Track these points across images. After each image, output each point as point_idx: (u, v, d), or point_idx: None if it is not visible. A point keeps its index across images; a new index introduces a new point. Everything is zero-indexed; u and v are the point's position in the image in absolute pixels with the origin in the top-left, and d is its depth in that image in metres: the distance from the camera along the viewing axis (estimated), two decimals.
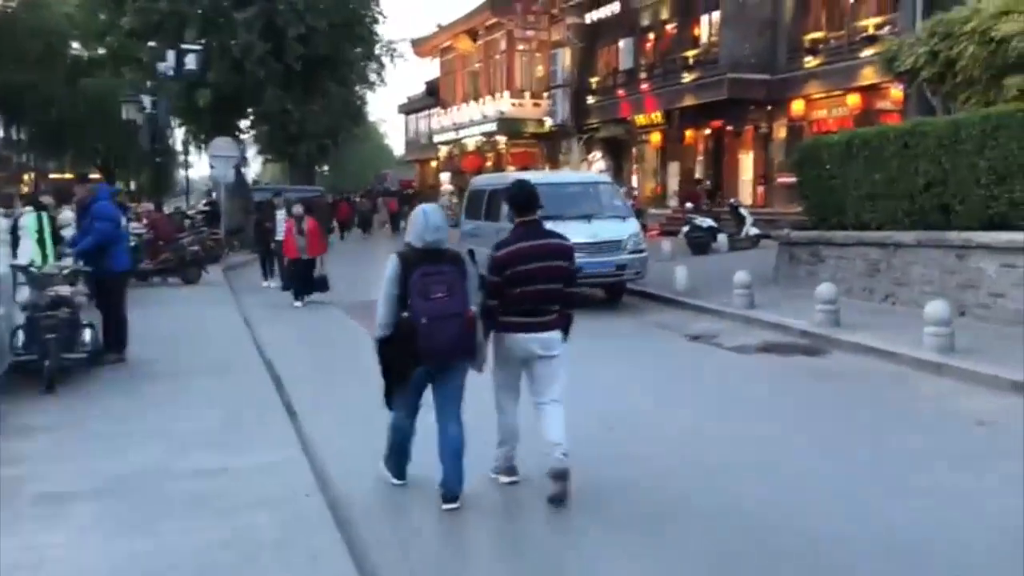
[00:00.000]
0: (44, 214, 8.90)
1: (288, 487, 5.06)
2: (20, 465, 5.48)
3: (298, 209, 14.51)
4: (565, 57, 34.94)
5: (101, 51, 35.76)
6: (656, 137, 31.22)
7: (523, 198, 5.27)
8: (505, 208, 5.49)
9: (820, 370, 8.91)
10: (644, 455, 6.05)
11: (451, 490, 5.02)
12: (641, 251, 13.29)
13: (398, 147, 70.99)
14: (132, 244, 15.95)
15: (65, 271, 8.11)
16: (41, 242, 8.61)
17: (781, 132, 25.32)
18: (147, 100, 21.88)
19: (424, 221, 4.91)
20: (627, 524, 4.83)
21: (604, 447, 6.23)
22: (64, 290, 7.87)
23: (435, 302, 4.75)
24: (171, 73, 21.78)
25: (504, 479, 5.42)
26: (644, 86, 29.79)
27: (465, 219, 15.96)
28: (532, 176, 14.97)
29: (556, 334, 5.18)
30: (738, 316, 11.70)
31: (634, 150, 33.47)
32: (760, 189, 26.19)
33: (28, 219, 8.81)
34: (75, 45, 45.93)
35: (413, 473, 5.39)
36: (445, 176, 48.58)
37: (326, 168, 58.98)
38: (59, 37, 44.65)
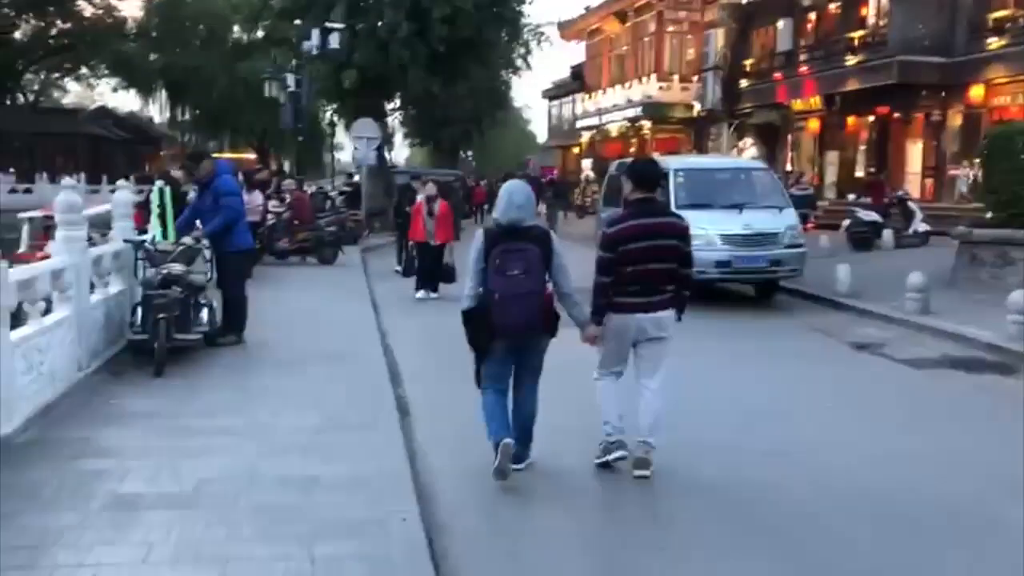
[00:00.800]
0: (167, 188, 8.57)
1: (383, 506, 4.39)
2: (107, 458, 5.04)
3: (430, 189, 13.16)
4: (718, 38, 33.37)
5: (260, 34, 36.75)
6: (814, 124, 29.29)
7: (643, 173, 5.23)
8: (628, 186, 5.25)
9: (1019, 395, 7.55)
10: (791, 491, 5.07)
11: (516, 454, 4.97)
12: (799, 245, 12.03)
13: (541, 133, 70.64)
14: (263, 221, 16.10)
15: (180, 248, 7.75)
16: (162, 217, 8.27)
17: (956, 120, 23.11)
18: (291, 79, 21.98)
19: (508, 199, 4.95)
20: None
21: (749, 470, 5.29)
22: (177, 268, 7.50)
23: (510, 279, 4.79)
24: (315, 52, 21.80)
25: (611, 457, 5.21)
26: (803, 69, 28.00)
27: (603, 206, 15.09)
28: (679, 161, 13.94)
29: (668, 314, 5.14)
30: (910, 323, 10.33)
31: (789, 137, 31.59)
32: (929, 182, 24.04)
33: (153, 193, 8.53)
34: (235, 29, 47.66)
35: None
36: (586, 163, 47.71)
37: (470, 153, 59.31)
38: (221, 21, 46.48)
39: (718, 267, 11.40)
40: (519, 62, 37.16)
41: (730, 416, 6.62)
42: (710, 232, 11.35)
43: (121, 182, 9.29)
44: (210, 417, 5.96)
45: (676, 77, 36.53)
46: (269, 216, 17.04)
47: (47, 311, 6.53)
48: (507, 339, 4.92)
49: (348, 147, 49.52)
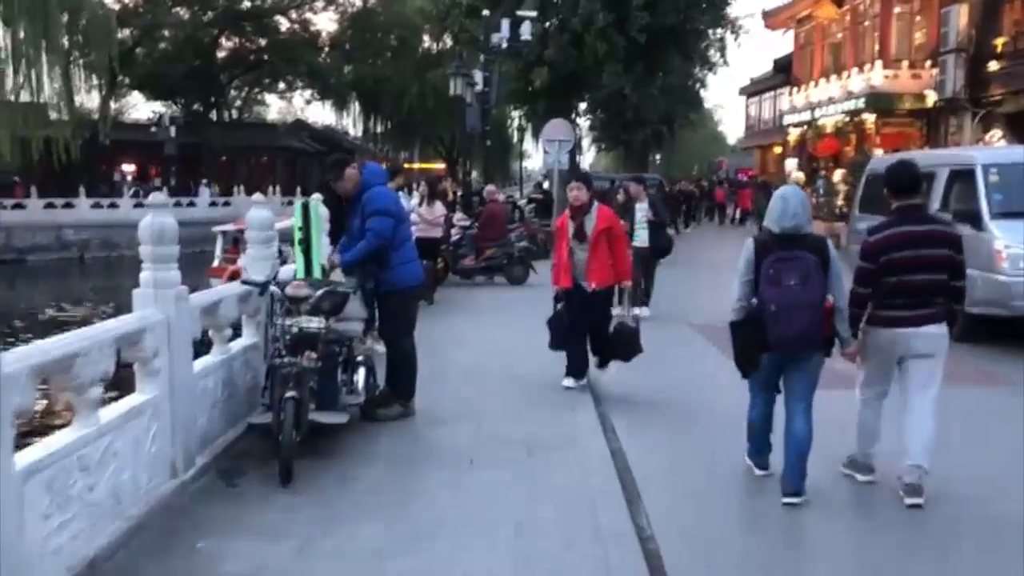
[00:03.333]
0: (317, 206, 6.34)
1: None
2: None
3: (575, 191, 7.10)
4: (960, 16, 28.84)
5: (448, 42, 35.63)
6: None
7: (900, 178, 4.80)
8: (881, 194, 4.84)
9: None
10: None
11: (791, 486, 4.67)
12: None
13: (731, 134, 66.74)
14: (447, 236, 14.05)
15: (321, 291, 5.43)
16: (305, 244, 6.03)
17: None
18: (479, 76, 20.03)
19: (783, 206, 4.59)
20: None
21: None
22: (313, 324, 5.20)
23: (786, 290, 4.50)
24: (505, 44, 19.80)
25: (860, 477, 5.00)
26: None
27: (859, 213, 11.99)
28: (989, 153, 10.62)
29: (938, 329, 4.69)
30: None
31: None
32: None
33: (295, 213, 6.28)
34: (425, 39, 47.15)
35: None
36: (791, 163, 43.69)
37: (659, 157, 56.50)
38: (411, 30, 46.06)
39: None
40: (716, 57, 33.97)
41: None
42: None
43: (257, 196, 7.25)
44: None
45: (904, 63, 32.22)
46: (454, 231, 15.04)
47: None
48: (779, 353, 4.66)
49: (535, 155, 47.87)
